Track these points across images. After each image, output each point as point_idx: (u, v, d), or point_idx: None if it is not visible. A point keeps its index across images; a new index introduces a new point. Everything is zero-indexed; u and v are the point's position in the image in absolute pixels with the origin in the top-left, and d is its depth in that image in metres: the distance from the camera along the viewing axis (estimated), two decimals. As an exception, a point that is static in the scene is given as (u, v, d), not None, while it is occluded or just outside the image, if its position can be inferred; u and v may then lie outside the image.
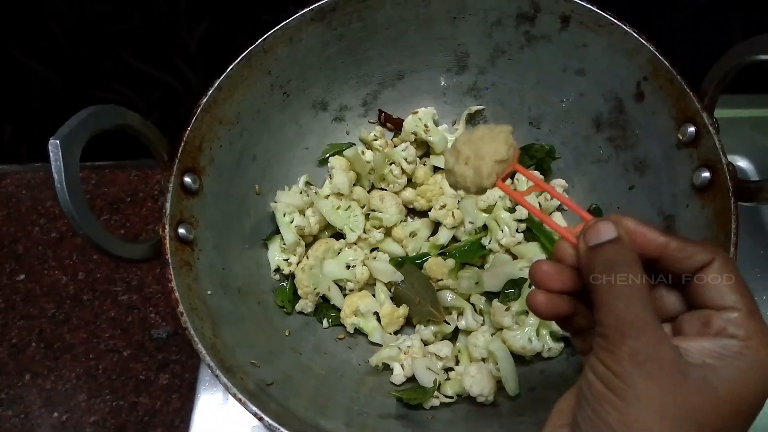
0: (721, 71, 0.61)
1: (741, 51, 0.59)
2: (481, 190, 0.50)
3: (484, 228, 0.76)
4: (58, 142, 0.52)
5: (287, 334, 0.72)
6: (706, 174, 0.62)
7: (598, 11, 0.69)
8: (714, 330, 0.38)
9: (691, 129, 0.64)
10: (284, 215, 0.75)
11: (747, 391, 0.36)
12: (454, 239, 0.78)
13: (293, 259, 0.75)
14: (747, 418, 0.37)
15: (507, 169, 0.50)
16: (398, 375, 0.69)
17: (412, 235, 0.78)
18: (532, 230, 0.75)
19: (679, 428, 0.35)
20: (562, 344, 0.69)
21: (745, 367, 0.36)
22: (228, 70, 0.68)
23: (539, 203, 0.77)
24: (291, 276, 0.75)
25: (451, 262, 0.73)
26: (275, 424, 0.54)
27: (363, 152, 0.82)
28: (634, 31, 0.67)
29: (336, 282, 0.76)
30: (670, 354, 0.36)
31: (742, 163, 0.88)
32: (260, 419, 0.54)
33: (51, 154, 0.52)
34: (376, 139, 0.83)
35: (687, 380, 0.36)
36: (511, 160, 0.49)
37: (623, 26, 0.68)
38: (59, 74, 0.98)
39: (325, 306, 0.76)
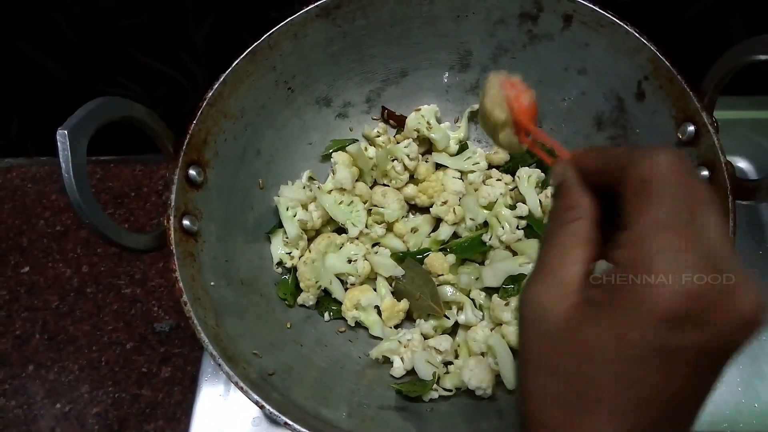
0: (721, 71, 0.62)
1: (741, 50, 0.59)
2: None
3: (485, 224, 0.77)
4: (66, 132, 0.53)
5: (289, 326, 0.72)
6: (705, 173, 0.63)
7: (600, 11, 0.69)
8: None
9: (691, 128, 0.64)
10: (287, 209, 0.76)
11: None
12: (455, 235, 0.79)
13: (296, 253, 0.76)
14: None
15: (518, 126, 0.48)
16: (398, 368, 0.70)
17: (414, 230, 0.78)
18: (533, 227, 0.75)
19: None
20: (560, 339, 0.69)
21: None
22: (233, 65, 0.69)
23: (540, 200, 0.77)
24: (293, 269, 0.76)
25: (451, 257, 0.74)
26: (276, 413, 0.55)
27: (366, 148, 0.83)
28: (636, 31, 0.68)
29: (338, 276, 0.76)
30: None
31: (742, 164, 0.88)
32: (261, 407, 0.55)
33: (59, 144, 0.53)
34: (378, 136, 0.83)
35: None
36: (509, 116, 0.47)
37: (625, 26, 0.68)
38: (66, 68, 0.98)
39: (326, 299, 0.77)
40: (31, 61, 0.96)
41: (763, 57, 0.57)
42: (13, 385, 0.87)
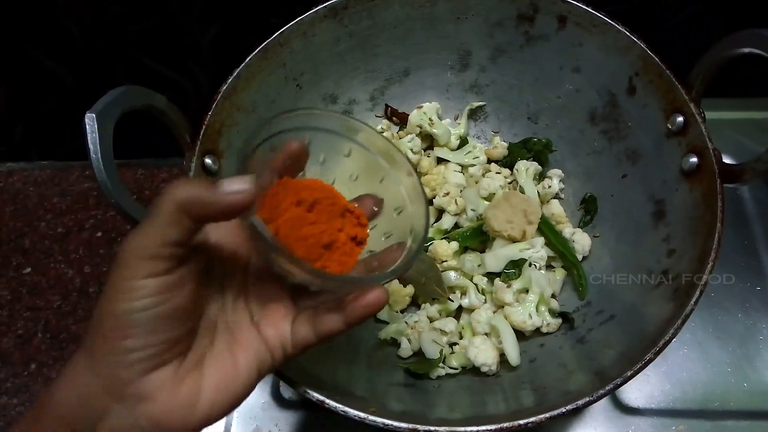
0: (707, 64, 0.66)
1: (725, 45, 0.63)
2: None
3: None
4: (94, 115, 0.56)
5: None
6: (694, 159, 0.66)
7: (593, 12, 0.73)
8: None
9: (680, 119, 0.68)
10: (296, 200, 0.78)
11: None
12: (457, 226, 0.81)
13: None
14: None
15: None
16: (405, 348, 0.72)
17: (417, 221, 0.81)
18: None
19: None
20: (560, 320, 0.72)
21: None
22: (247, 60, 0.72)
23: (538, 192, 0.81)
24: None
25: (454, 244, 0.77)
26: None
27: (370, 144, 0.85)
28: (626, 30, 0.72)
29: (345, 264, 0.78)
30: None
31: (727, 161, 0.92)
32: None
33: (87, 126, 0.55)
34: (382, 132, 0.86)
35: None
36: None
37: (616, 25, 0.72)
38: (73, 73, 1.00)
39: (334, 286, 0.78)
40: (40, 66, 0.98)
41: (745, 50, 0.61)
42: (16, 384, 0.87)
